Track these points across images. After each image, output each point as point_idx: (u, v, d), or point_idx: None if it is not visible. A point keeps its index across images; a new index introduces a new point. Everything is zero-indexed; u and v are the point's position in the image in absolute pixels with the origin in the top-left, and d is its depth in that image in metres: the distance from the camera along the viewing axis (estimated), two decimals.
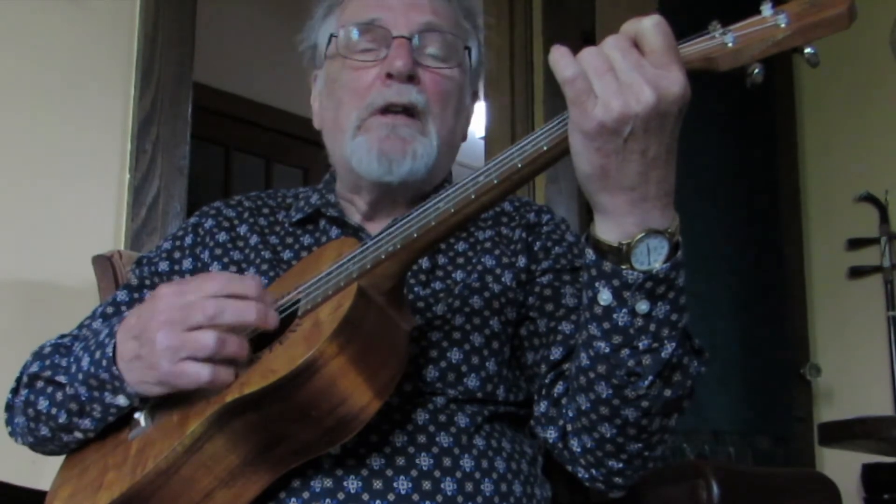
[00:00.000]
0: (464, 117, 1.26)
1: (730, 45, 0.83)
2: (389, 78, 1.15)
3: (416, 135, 1.15)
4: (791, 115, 3.30)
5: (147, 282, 1.22)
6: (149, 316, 0.96)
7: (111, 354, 0.99)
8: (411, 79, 1.15)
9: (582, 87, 0.82)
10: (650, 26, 0.82)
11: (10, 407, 1.15)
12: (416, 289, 1.14)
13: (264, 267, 1.18)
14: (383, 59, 1.17)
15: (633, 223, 0.86)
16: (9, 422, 1.15)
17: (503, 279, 1.15)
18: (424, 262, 1.16)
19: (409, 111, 1.15)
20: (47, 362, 1.11)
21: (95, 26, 2.03)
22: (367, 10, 1.20)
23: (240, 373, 0.95)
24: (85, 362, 1.02)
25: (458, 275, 1.16)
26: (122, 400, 1.01)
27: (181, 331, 0.93)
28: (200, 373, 0.93)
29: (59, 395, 1.06)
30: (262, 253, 1.20)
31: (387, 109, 1.15)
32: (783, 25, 0.82)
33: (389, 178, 1.15)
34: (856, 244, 3.09)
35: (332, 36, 1.23)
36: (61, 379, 1.06)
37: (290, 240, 1.23)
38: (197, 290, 0.94)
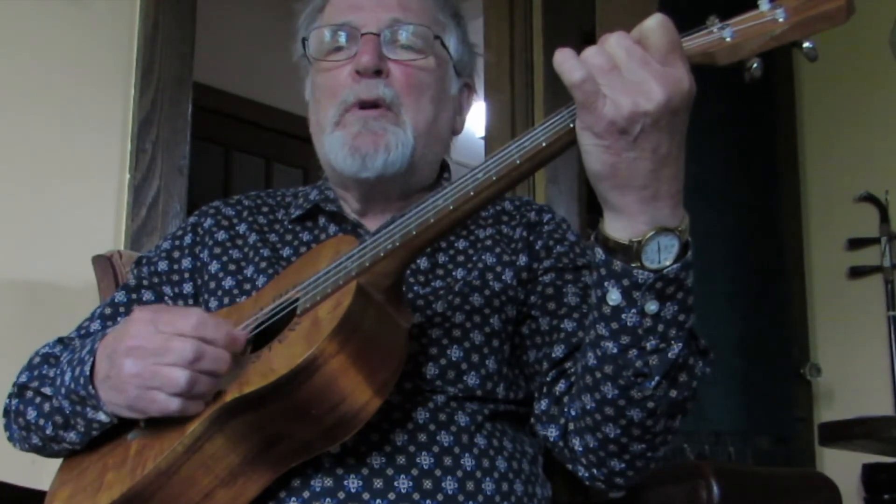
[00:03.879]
0: (448, 108, 1.25)
1: (728, 39, 0.83)
2: (358, 74, 1.16)
3: (387, 126, 1.15)
4: (791, 115, 3.30)
5: (145, 282, 1.22)
6: (120, 338, 0.96)
7: (88, 373, 0.99)
8: (378, 73, 1.16)
9: (591, 90, 0.81)
10: (654, 25, 0.81)
11: (7, 413, 1.15)
12: (415, 287, 1.14)
13: (263, 265, 1.18)
14: (354, 57, 1.18)
15: (644, 221, 0.86)
16: (7, 427, 1.16)
17: (504, 277, 1.15)
18: (424, 262, 1.16)
19: (379, 105, 1.16)
20: (35, 373, 1.11)
21: (95, 26, 2.03)
22: (339, 14, 1.21)
23: (208, 401, 0.95)
24: (67, 377, 1.03)
25: (459, 273, 1.16)
26: (102, 416, 1.01)
27: (153, 363, 0.93)
28: (168, 404, 0.94)
29: (46, 407, 1.07)
30: (261, 251, 1.20)
31: (360, 106, 1.16)
32: (781, 20, 0.82)
33: (366, 174, 1.15)
34: (856, 244, 3.09)
35: (303, 40, 1.24)
36: (47, 391, 1.07)
37: (289, 237, 1.23)
38: (170, 325, 0.94)
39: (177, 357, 0.92)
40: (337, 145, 1.17)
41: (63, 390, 1.03)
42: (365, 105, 1.16)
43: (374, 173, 1.15)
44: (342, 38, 1.20)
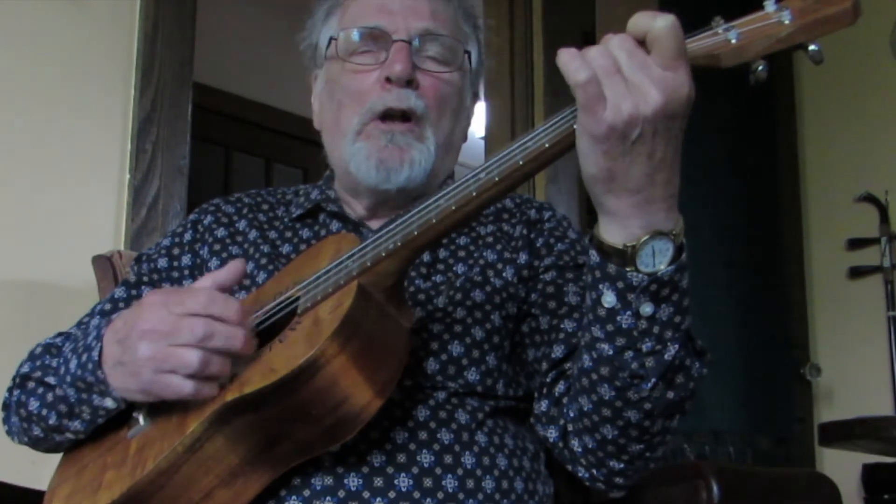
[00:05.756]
0: (463, 119, 1.26)
1: (733, 41, 0.83)
2: (388, 82, 1.15)
3: (413, 142, 1.16)
4: (791, 115, 3.30)
5: (145, 279, 1.22)
6: (133, 323, 0.96)
7: (97, 358, 1.00)
8: (410, 83, 1.16)
9: (594, 91, 0.81)
10: (664, 27, 0.81)
11: (6, 406, 1.15)
12: (416, 281, 1.14)
13: (263, 261, 1.18)
14: (383, 63, 1.17)
15: (638, 225, 0.86)
16: (5, 421, 1.16)
17: (504, 274, 1.15)
18: (425, 256, 1.16)
19: (407, 116, 1.16)
20: (38, 363, 1.11)
21: (95, 26, 2.03)
22: (368, 16, 1.20)
23: (224, 384, 0.95)
24: (73, 364, 1.02)
25: (460, 268, 1.16)
26: (109, 402, 1.01)
27: (166, 345, 0.93)
28: (183, 386, 0.93)
29: (49, 397, 1.07)
30: (261, 247, 1.20)
31: (386, 115, 1.16)
32: (787, 22, 0.82)
33: (387, 186, 1.16)
34: (856, 244, 3.09)
35: (331, 39, 1.23)
36: (51, 380, 1.07)
37: (288, 234, 1.23)
38: (180, 305, 0.94)
39: (188, 336, 0.92)
40: (361, 156, 1.16)
41: (68, 378, 1.03)
42: (391, 114, 1.16)
43: (395, 186, 1.16)
44: (370, 42, 1.19)
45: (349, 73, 1.20)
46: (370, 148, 1.16)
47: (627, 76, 0.81)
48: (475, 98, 1.31)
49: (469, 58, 1.24)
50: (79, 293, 1.81)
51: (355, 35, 1.20)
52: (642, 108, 0.80)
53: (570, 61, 0.82)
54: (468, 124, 1.29)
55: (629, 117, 0.80)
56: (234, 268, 1.01)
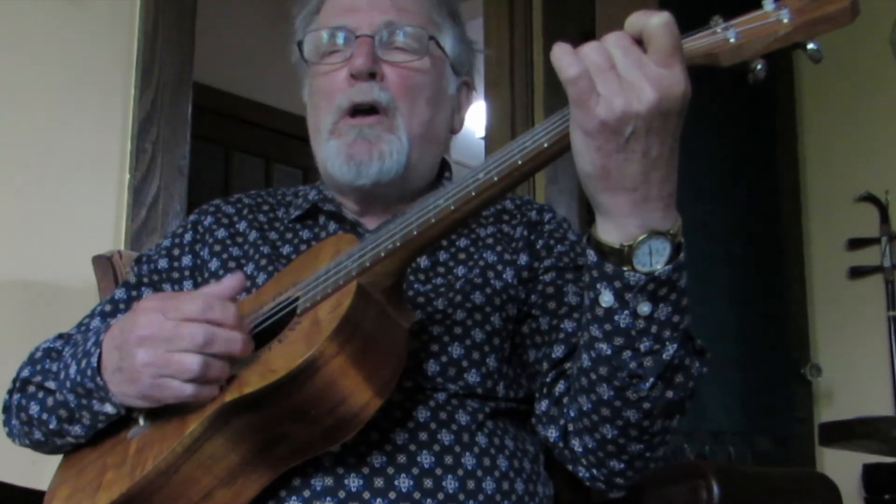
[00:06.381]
0: (445, 107, 1.25)
1: (732, 40, 0.83)
2: (353, 78, 1.16)
3: (382, 134, 1.15)
4: (791, 115, 3.30)
5: (145, 279, 1.22)
6: (130, 329, 0.96)
7: (96, 364, 0.99)
8: (373, 76, 1.16)
9: (585, 87, 0.81)
10: (659, 25, 0.81)
11: (7, 409, 1.15)
12: (416, 285, 1.14)
13: (263, 262, 1.18)
14: (349, 60, 1.17)
15: (634, 224, 0.86)
16: (6, 423, 1.16)
17: (504, 276, 1.15)
18: (424, 260, 1.16)
19: (374, 109, 1.16)
20: (38, 367, 1.11)
21: (95, 26, 2.03)
22: (334, 17, 1.21)
23: (224, 386, 0.95)
24: (72, 370, 1.03)
25: (460, 270, 1.16)
26: (109, 408, 1.01)
27: (165, 351, 0.93)
28: (183, 390, 0.93)
29: (49, 401, 1.07)
30: (261, 248, 1.21)
31: (355, 111, 1.16)
32: (786, 21, 0.82)
33: (361, 182, 1.16)
34: (856, 244, 3.09)
35: (299, 43, 1.24)
36: (51, 385, 1.07)
37: (289, 235, 1.23)
38: (177, 311, 0.94)
39: (188, 343, 0.92)
40: (333, 154, 1.17)
41: (68, 384, 1.03)
42: (359, 110, 1.16)
43: (369, 181, 1.15)
44: (338, 41, 1.20)
45: (321, 74, 1.21)
46: (340, 145, 1.16)
47: (622, 73, 0.81)
48: (467, 88, 1.30)
49: (438, 44, 1.23)
50: (79, 293, 1.82)
51: (320, 36, 1.21)
52: (635, 105, 0.80)
53: (562, 57, 0.82)
54: (457, 114, 1.28)
55: (622, 113, 0.80)
56: (233, 281, 0.99)
